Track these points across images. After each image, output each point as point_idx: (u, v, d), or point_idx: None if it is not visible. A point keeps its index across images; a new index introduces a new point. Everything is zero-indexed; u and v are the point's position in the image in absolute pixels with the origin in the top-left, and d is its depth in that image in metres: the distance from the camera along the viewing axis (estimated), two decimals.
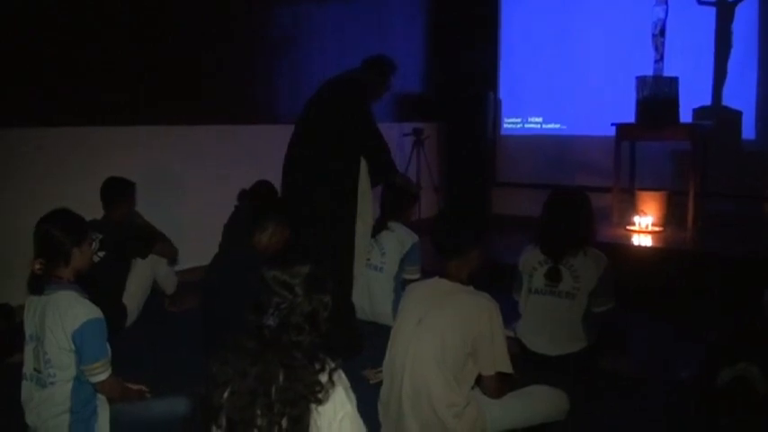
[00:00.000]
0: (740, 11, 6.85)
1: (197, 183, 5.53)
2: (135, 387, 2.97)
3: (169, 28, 5.34)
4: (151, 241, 4.47)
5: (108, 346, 2.70)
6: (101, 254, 3.48)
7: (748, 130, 6.90)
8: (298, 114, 4.21)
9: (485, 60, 7.89)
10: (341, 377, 1.95)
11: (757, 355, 1.59)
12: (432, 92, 8.03)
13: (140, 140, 5.21)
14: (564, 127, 7.37)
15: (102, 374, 2.65)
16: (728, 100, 6.94)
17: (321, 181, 3.92)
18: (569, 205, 3.68)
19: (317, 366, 1.90)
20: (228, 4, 5.80)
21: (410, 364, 2.72)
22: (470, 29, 7.94)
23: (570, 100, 7.13)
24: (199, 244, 4.71)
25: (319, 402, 1.87)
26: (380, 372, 2.99)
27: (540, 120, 7.55)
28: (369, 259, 4.51)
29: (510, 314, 3.53)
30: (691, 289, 4.74)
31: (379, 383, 2.97)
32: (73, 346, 2.61)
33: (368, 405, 2.76)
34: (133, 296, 4.36)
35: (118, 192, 4.39)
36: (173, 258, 4.74)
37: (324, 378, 1.89)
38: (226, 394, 1.87)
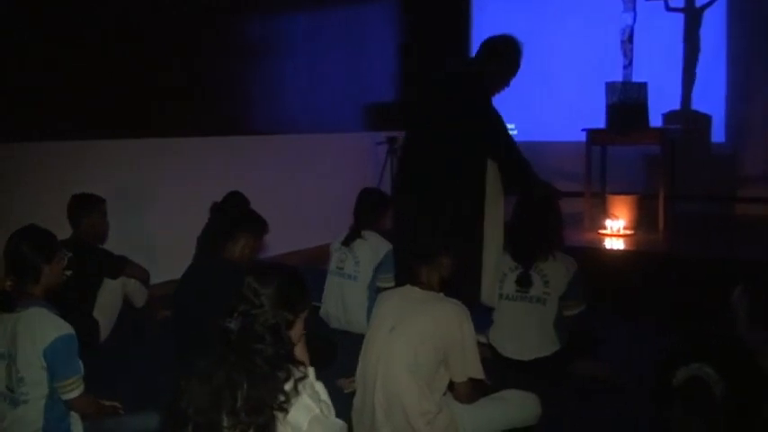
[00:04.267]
0: (708, 16, 6.97)
1: (169, 196, 5.51)
2: (108, 403, 2.95)
3: (137, 40, 5.32)
4: (122, 264, 4.39)
5: (80, 363, 2.68)
6: (68, 272, 3.45)
7: (717, 134, 7.02)
8: (414, 115, 3.97)
9: (451, 64, 7.93)
10: (307, 386, 1.97)
11: (712, 356, 1.63)
12: (405, 100, 8.06)
13: (110, 155, 5.16)
14: (536, 133, 7.44)
15: (74, 391, 2.63)
16: (697, 104, 7.06)
17: (444, 186, 3.64)
18: (537, 210, 3.73)
19: (282, 375, 1.92)
20: (198, 14, 5.77)
21: (382, 373, 2.75)
22: (443, 37, 7.99)
23: (541, 107, 7.20)
24: (173, 257, 4.69)
25: (283, 411, 1.88)
26: (354, 381, 3.01)
27: (513, 126, 7.59)
28: (342, 268, 4.53)
29: (481, 319, 3.56)
30: (662, 291, 4.79)
31: (353, 392, 2.99)
32: (45, 363, 2.59)
33: (342, 414, 2.78)
34: (105, 311, 4.30)
35: (86, 209, 4.28)
36: (144, 281, 4.67)
37: (288, 387, 1.91)
38: (191, 401, 1.89)
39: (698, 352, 1.65)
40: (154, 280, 4.67)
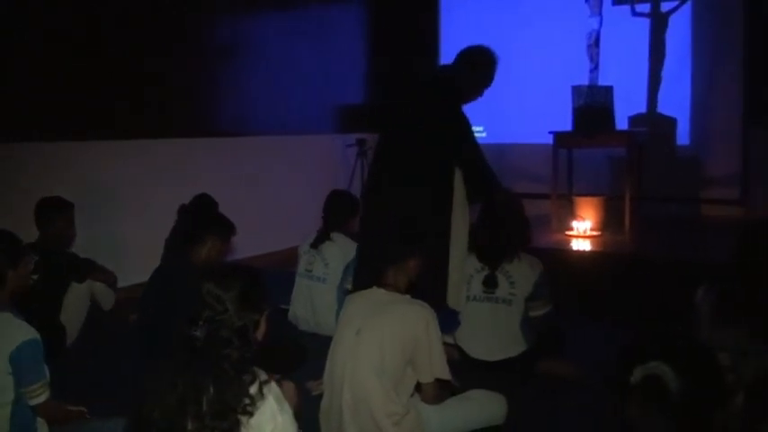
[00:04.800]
0: (673, 21, 7.07)
1: (137, 198, 5.48)
2: (75, 409, 2.93)
3: (105, 41, 5.29)
4: (89, 268, 4.36)
5: (46, 368, 2.66)
6: (34, 277, 3.42)
7: (682, 137, 7.13)
8: (386, 121, 4.00)
9: (426, 71, 7.98)
10: (272, 389, 1.98)
11: (670, 354, 1.67)
12: (374, 102, 8.09)
13: (77, 157, 5.13)
14: (504, 135, 7.50)
15: (40, 396, 2.61)
16: (663, 107, 7.16)
17: (414, 191, 3.68)
18: (502, 212, 3.77)
19: (247, 379, 1.93)
20: (166, 16, 5.75)
21: (349, 375, 2.76)
22: (411, 40, 8.04)
23: (509, 109, 7.26)
24: (140, 260, 4.66)
25: (248, 414, 1.89)
26: (322, 383, 3.02)
27: (481, 128, 7.66)
28: (311, 270, 4.54)
29: (448, 320, 3.59)
30: (628, 291, 4.86)
31: (322, 395, 3.00)
32: (10, 369, 2.56)
33: (309, 417, 2.80)
34: (71, 315, 4.26)
35: (53, 212, 4.21)
36: (111, 284, 4.63)
37: (253, 390, 1.92)
38: (156, 406, 1.89)
39: (655, 350, 1.69)
40: (121, 283, 4.63)
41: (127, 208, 5.41)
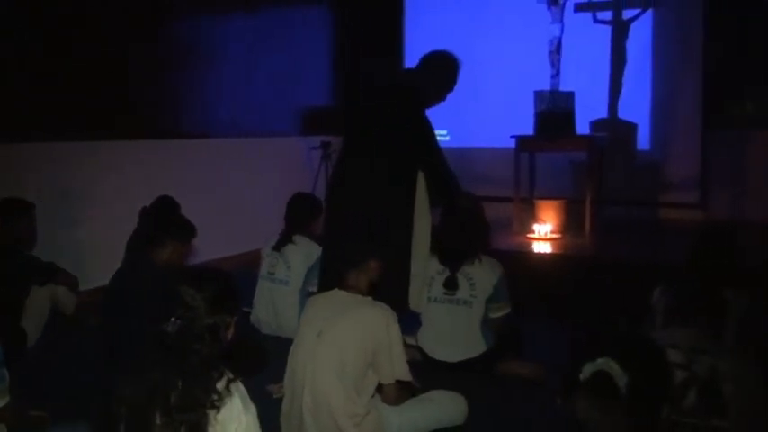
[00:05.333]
0: (634, 29, 7.18)
1: (99, 200, 5.42)
2: (35, 414, 2.91)
3: (66, 41, 5.23)
4: (51, 271, 4.31)
5: (6, 372, 2.62)
6: None
7: (642, 142, 7.24)
8: (350, 124, 4.03)
9: (390, 75, 8.01)
10: (239, 388, 2.01)
11: (618, 351, 1.71)
12: (339, 105, 8.10)
13: (38, 158, 5.06)
14: (467, 139, 7.56)
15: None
16: (623, 113, 7.26)
17: (377, 194, 3.72)
18: (463, 215, 3.81)
19: (215, 375, 1.96)
20: (128, 17, 5.69)
21: (310, 377, 2.78)
22: (375, 43, 8.07)
23: (473, 114, 7.32)
24: (101, 263, 4.61)
25: (216, 409, 1.92)
26: (284, 386, 3.03)
27: (444, 132, 7.71)
28: (273, 273, 4.54)
29: (409, 322, 3.62)
30: (588, 292, 4.92)
31: (283, 398, 3.01)
32: None
33: (271, 419, 2.80)
34: (32, 319, 4.21)
35: (15, 214, 4.17)
36: (73, 287, 4.58)
37: (221, 386, 1.95)
38: (124, 402, 1.91)
39: (604, 348, 1.73)
40: (83, 286, 4.59)
41: (87, 210, 5.34)
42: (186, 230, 3.65)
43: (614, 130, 7.12)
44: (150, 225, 4.02)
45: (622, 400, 1.66)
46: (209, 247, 5.40)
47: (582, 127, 6.46)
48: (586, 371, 1.69)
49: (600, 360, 1.68)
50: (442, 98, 4.04)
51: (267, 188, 6.72)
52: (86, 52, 5.35)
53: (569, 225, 6.16)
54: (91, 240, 5.24)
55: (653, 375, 1.73)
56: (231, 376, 2.00)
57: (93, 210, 5.36)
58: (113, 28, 5.56)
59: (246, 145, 6.78)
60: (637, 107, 7.18)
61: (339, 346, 2.77)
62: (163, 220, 3.87)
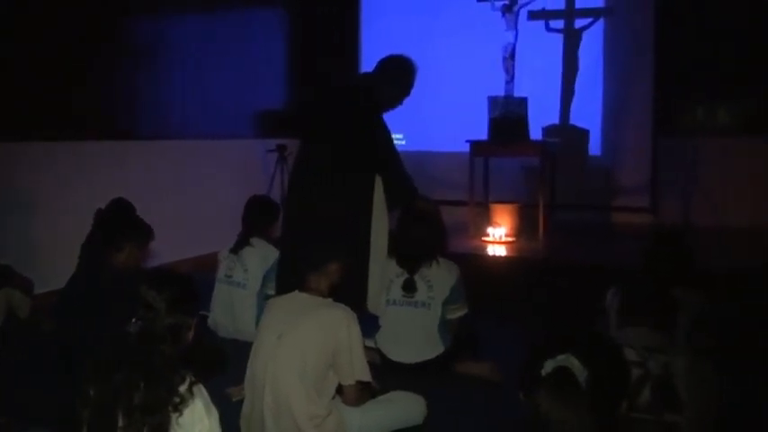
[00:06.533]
0: (586, 37, 7.32)
1: (53, 202, 5.32)
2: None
3: (20, 39, 5.13)
4: (6, 275, 4.23)
5: None
6: None
7: (594, 147, 7.38)
8: (307, 127, 4.02)
9: (346, 78, 8.03)
10: (201, 391, 2.01)
11: (578, 347, 1.77)
12: (295, 108, 8.08)
13: None
14: (423, 143, 7.62)
15: None
16: (575, 119, 7.40)
17: (334, 197, 3.75)
18: (421, 218, 3.86)
19: (178, 377, 1.97)
20: (84, 17, 5.61)
21: (271, 379, 2.78)
22: (332, 45, 8.09)
23: (428, 118, 7.37)
24: (56, 266, 4.54)
25: (178, 412, 1.92)
26: (243, 388, 3.02)
27: (401, 136, 7.76)
28: (231, 275, 4.52)
29: (368, 324, 3.64)
30: (542, 294, 5.00)
31: (242, 401, 3.01)
32: None
33: (230, 422, 2.79)
34: None
35: None
36: (28, 290, 4.51)
37: (183, 389, 1.95)
38: (86, 405, 1.90)
39: (565, 344, 1.78)
40: (37, 289, 4.53)
41: (41, 212, 5.24)
42: (143, 233, 3.62)
43: (566, 135, 7.24)
44: (106, 228, 3.98)
45: (583, 394, 1.71)
46: (165, 250, 5.34)
47: (535, 132, 6.57)
48: (548, 366, 1.74)
49: (561, 356, 1.73)
50: (399, 102, 4.08)
51: (223, 191, 6.68)
52: (40, 52, 5.26)
53: (523, 228, 6.25)
54: (44, 243, 5.15)
55: (612, 371, 1.79)
56: (193, 379, 2.00)
57: (46, 212, 5.26)
58: (69, 28, 5.48)
59: (202, 147, 6.73)
60: (589, 113, 7.31)
61: (300, 347, 2.78)
62: (119, 223, 3.83)
